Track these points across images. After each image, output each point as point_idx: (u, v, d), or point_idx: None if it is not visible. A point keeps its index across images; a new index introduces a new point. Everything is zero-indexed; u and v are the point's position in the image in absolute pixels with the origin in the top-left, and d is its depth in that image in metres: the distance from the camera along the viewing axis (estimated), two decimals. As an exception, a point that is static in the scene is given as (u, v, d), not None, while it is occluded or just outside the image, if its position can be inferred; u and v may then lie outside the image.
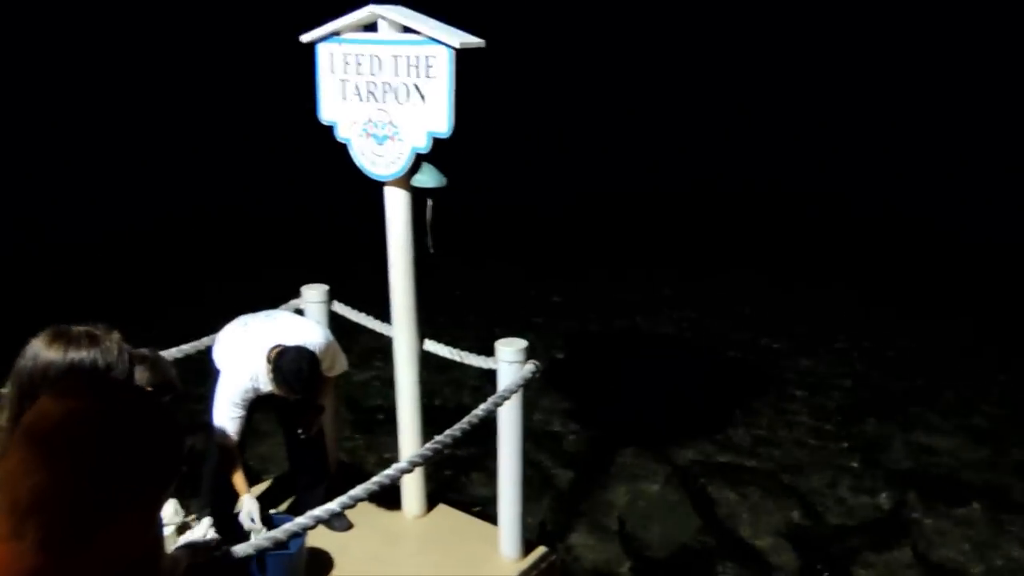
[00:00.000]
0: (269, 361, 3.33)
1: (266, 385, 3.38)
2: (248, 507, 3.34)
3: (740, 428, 5.93)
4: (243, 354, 3.41)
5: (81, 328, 1.82)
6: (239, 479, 3.40)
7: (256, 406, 3.47)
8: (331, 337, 3.66)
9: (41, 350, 1.77)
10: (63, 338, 1.78)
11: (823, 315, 8.15)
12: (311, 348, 3.39)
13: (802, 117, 15.94)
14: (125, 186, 12.23)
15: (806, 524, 4.87)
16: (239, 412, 3.38)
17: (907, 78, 16.46)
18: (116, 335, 1.83)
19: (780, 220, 11.54)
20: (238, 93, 15.63)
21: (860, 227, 11.03)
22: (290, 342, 3.38)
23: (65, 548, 0.91)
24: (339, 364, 3.73)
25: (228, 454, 3.41)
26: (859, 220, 11.36)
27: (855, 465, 5.49)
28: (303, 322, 3.67)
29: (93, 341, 1.79)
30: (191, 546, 1.98)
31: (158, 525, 1.06)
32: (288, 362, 3.27)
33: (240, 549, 2.39)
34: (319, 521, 2.60)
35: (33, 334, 1.82)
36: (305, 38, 3.39)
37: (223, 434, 3.38)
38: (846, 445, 5.74)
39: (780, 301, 8.56)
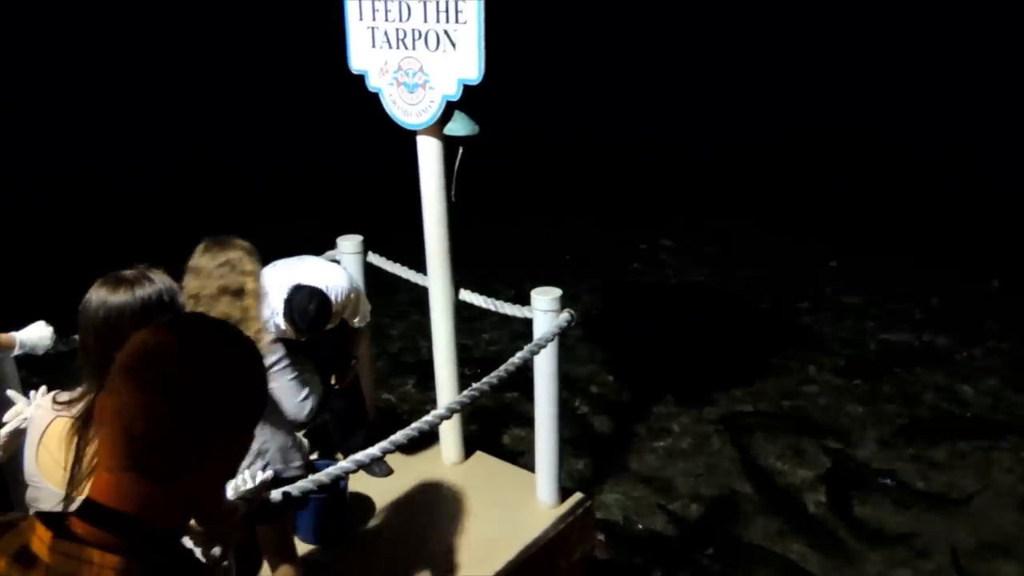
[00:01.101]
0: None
1: (283, 324, 3.41)
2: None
3: (774, 379, 5.90)
4: (268, 294, 3.45)
5: (131, 271, 1.88)
6: None
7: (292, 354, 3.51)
8: (357, 285, 3.66)
9: (108, 297, 1.82)
10: (124, 282, 1.84)
11: (858, 269, 8.00)
12: (332, 292, 3.40)
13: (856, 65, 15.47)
14: (163, 134, 12.37)
15: (839, 474, 4.85)
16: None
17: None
18: (160, 270, 1.92)
19: (822, 173, 11.25)
20: (272, 43, 15.61)
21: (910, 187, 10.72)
22: (311, 283, 3.39)
23: (171, 477, 1.01)
24: (362, 313, 3.74)
25: None
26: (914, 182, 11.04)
27: (889, 415, 5.44)
28: (329, 266, 3.67)
29: (150, 279, 1.87)
30: (246, 496, 2.04)
31: None
32: (298, 300, 3.28)
33: (286, 491, 2.46)
34: (360, 465, 2.65)
35: (75, 281, 1.87)
36: (333, -14, 3.35)
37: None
38: (879, 396, 5.69)
39: (817, 253, 8.41)
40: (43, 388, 2.01)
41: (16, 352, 2.94)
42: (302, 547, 3.25)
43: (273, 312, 3.38)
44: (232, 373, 1.07)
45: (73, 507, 1.09)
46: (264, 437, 2.75)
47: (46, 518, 1.00)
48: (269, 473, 2.21)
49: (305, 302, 3.27)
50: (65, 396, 1.89)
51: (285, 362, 2.75)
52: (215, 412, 1.04)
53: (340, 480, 2.98)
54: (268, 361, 2.68)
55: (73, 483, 1.73)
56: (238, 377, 1.08)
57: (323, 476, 2.51)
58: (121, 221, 8.90)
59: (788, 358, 6.21)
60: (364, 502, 3.62)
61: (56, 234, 8.55)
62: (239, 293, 2.61)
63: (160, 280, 1.89)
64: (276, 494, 2.44)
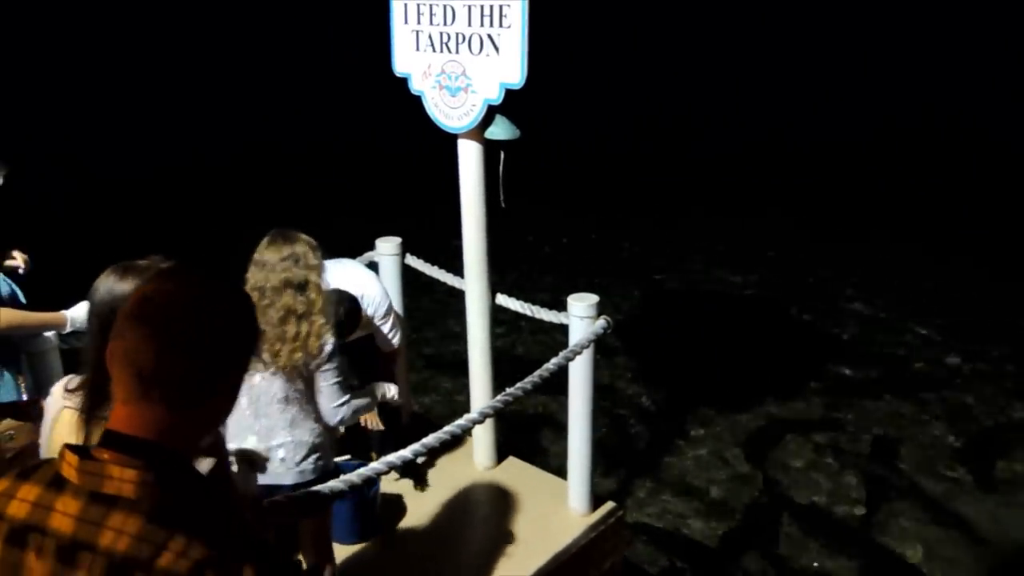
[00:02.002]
0: None
1: None
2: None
3: (810, 386, 5.81)
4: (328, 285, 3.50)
5: (143, 261, 1.91)
6: None
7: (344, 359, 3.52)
8: (390, 299, 3.68)
9: (115, 284, 1.85)
10: (133, 270, 1.87)
11: (906, 272, 7.84)
12: (365, 301, 3.44)
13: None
14: (205, 129, 12.58)
15: (874, 484, 4.76)
16: None
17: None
18: (173, 261, 1.94)
19: (869, 174, 11.07)
20: (309, 49, 15.80)
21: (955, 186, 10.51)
22: (345, 289, 3.42)
23: (185, 406, 1.16)
24: (396, 330, 3.71)
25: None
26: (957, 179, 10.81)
27: (929, 427, 5.32)
28: (365, 274, 3.69)
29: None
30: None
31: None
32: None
33: (318, 491, 2.47)
34: (392, 467, 2.65)
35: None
36: (379, -11, 3.37)
37: None
38: (917, 405, 5.57)
39: (867, 260, 8.26)
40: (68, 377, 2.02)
41: (68, 329, 3.02)
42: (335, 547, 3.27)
43: None
44: (223, 313, 1.20)
45: None
46: (318, 429, 2.80)
47: (74, 448, 1.15)
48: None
49: (334, 307, 3.31)
50: (75, 383, 1.91)
51: (334, 363, 2.77)
52: (210, 348, 1.17)
53: (373, 482, 3.00)
54: (321, 358, 2.72)
55: None
56: (228, 317, 1.21)
57: (355, 476, 2.51)
58: (153, 213, 9.05)
59: (824, 366, 6.12)
60: (395, 504, 3.62)
61: (102, 220, 8.72)
62: (303, 287, 2.67)
63: None
64: (324, 486, 2.47)
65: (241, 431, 2.74)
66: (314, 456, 2.79)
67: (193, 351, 1.15)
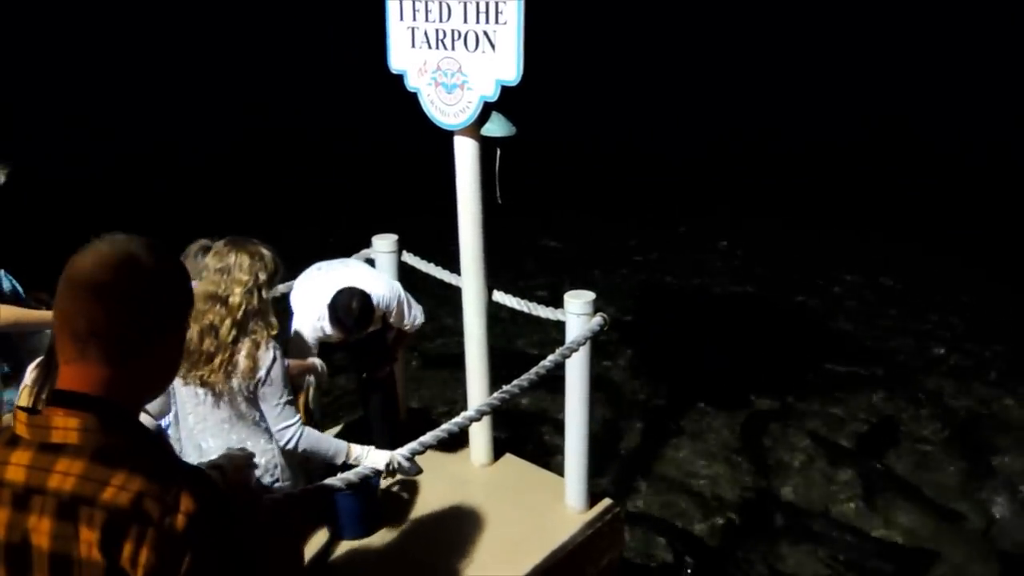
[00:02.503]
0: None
1: (328, 328, 3.44)
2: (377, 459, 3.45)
3: (808, 384, 5.82)
4: (313, 298, 3.48)
5: None
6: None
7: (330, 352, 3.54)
8: (401, 292, 3.69)
9: None
10: None
11: (899, 270, 7.85)
12: (375, 298, 3.42)
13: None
14: (202, 127, 12.54)
15: (873, 480, 4.77)
16: (312, 355, 3.47)
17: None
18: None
19: (863, 174, 11.07)
20: (299, 45, 15.77)
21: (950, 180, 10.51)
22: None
23: (122, 362, 1.23)
24: (412, 316, 3.77)
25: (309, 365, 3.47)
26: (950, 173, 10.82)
27: (926, 422, 5.33)
28: (373, 273, 3.70)
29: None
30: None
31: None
32: (342, 301, 3.32)
33: (317, 488, 2.48)
34: (389, 466, 2.66)
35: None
36: (375, -15, 3.36)
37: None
38: (915, 402, 5.58)
39: (860, 258, 8.27)
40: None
41: None
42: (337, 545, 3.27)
43: (319, 317, 3.42)
44: (149, 271, 1.26)
45: None
46: (271, 449, 2.76)
47: (24, 408, 1.25)
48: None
49: (347, 301, 3.30)
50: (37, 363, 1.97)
51: (274, 385, 2.71)
52: (138, 303, 1.24)
53: (371, 478, 3.00)
54: (261, 373, 2.67)
55: None
56: (155, 274, 1.27)
57: (352, 475, 2.51)
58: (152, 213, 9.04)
59: (823, 361, 6.13)
60: (392, 501, 3.62)
61: (108, 219, 8.70)
62: (224, 301, 2.62)
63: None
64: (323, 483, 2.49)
65: (192, 450, 2.74)
66: (267, 476, 2.75)
67: (121, 306, 1.22)
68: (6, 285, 3.05)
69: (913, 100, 13.72)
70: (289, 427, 2.75)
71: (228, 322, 2.61)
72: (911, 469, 4.87)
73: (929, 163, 11.06)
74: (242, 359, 2.63)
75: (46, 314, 3.03)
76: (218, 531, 1.18)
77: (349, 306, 3.30)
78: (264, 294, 2.69)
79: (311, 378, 3.38)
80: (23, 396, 2.05)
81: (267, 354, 2.67)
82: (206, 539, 1.16)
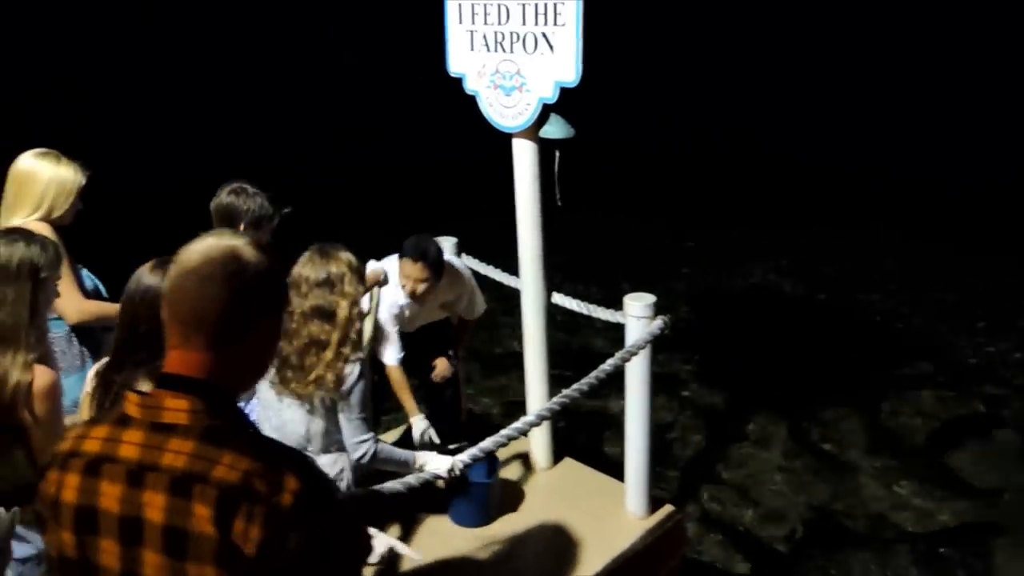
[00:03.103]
0: None
1: (402, 296, 3.54)
2: (421, 426, 3.49)
3: (874, 390, 5.64)
4: (389, 273, 3.58)
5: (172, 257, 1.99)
6: (408, 399, 3.56)
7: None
8: (471, 276, 3.80)
9: (144, 276, 2.03)
10: (165, 264, 2.01)
11: (964, 279, 7.57)
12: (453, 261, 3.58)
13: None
14: (264, 132, 12.77)
15: (946, 488, 4.60)
16: (393, 330, 3.58)
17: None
18: None
19: (924, 178, 10.71)
20: (370, 45, 15.93)
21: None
22: None
23: (222, 346, 1.31)
24: (477, 303, 3.88)
25: (396, 375, 3.59)
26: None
27: (993, 424, 5.14)
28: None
29: None
30: None
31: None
32: (417, 242, 3.45)
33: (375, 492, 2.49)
34: (452, 472, 2.67)
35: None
36: (434, -11, 3.37)
37: (387, 356, 3.60)
38: (985, 404, 5.39)
39: (924, 262, 8.01)
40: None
41: None
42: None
43: (395, 285, 3.53)
44: (250, 261, 1.33)
45: None
46: (340, 463, 2.78)
47: (135, 390, 1.34)
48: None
49: (424, 244, 3.44)
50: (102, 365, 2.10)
51: (355, 399, 2.69)
52: (240, 292, 1.31)
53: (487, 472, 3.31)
54: (345, 388, 2.66)
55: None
56: (256, 265, 1.33)
57: (413, 479, 2.52)
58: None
59: (889, 366, 5.94)
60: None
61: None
62: (330, 317, 2.60)
63: None
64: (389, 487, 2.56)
65: None
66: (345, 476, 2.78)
67: (224, 296, 1.30)
68: (88, 284, 3.15)
69: (976, 98, 13.22)
70: (364, 442, 2.74)
71: (336, 337, 2.58)
72: (982, 473, 4.68)
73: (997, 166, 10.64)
74: (328, 374, 2.61)
75: None
76: (322, 510, 1.25)
77: (426, 248, 3.42)
78: (361, 303, 2.71)
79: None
80: (84, 406, 2.11)
81: (354, 369, 2.66)
82: (311, 517, 1.22)
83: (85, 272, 3.20)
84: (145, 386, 1.98)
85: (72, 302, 3.05)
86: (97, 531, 1.28)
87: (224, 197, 3.17)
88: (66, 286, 3.01)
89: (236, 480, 1.20)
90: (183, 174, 10.48)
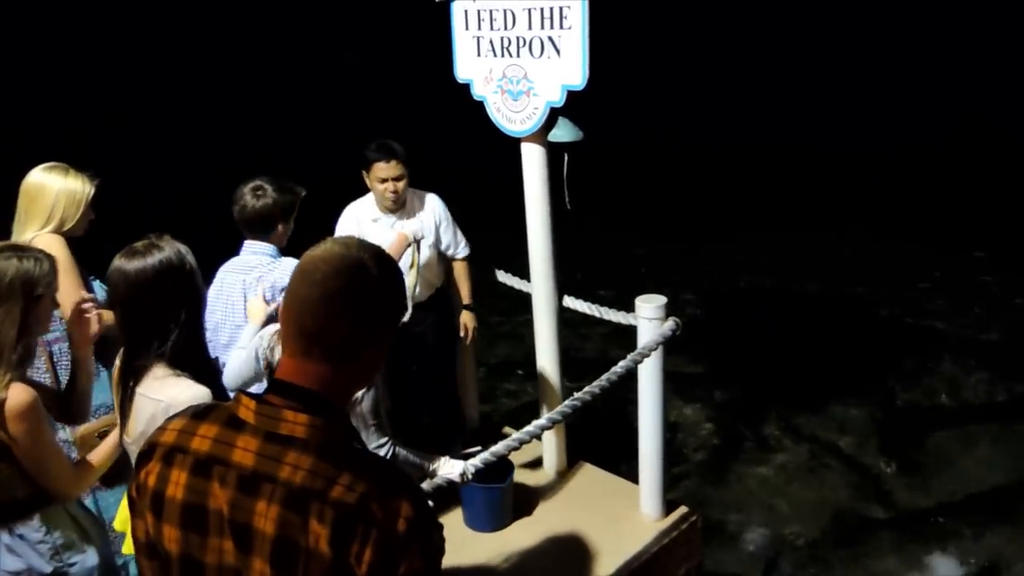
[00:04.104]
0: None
1: (371, 210, 3.67)
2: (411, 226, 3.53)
3: (884, 395, 5.59)
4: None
5: (142, 241, 2.13)
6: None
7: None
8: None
9: (125, 266, 2.07)
10: (138, 252, 2.09)
11: (972, 278, 7.51)
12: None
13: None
14: (265, 136, 12.83)
15: (954, 495, 4.55)
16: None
17: None
18: (168, 236, 2.16)
19: (937, 183, 10.64)
20: (373, 52, 16.00)
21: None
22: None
23: (341, 361, 1.31)
24: (460, 237, 3.91)
25: (400, 240, 3.52)
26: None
27: (1005, 435, 5.06)
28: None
29: (158, 246, 2.10)
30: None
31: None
32: (373, 146, 3.58)
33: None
34: (464, 476, 2.67)
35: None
36: (439, -4, 3.39)
37: None
38: (995, 413, 5.31)
39: (931, 265, 7.95)
40: None
41: None
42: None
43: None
44: (377, 277, 1.32)
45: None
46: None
47: (249, 394, 1.32)
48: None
49: (387, 142, 3.59)
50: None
51: (367, 405, 2.68)
52: (365, 310, 1.31)
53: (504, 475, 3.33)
54: (357, 393, 2.60)
55: (123, 421, 2.13)
56: (382, 280, 1.33)
57: (426, 486, 2.52)
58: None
59: (904, 371, 5.88)
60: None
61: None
62: None
63: (168, 246, 2.11)
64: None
65: None
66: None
67: (350, 313, 1.29)
68: (99, 294, 3.16)
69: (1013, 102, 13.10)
70: (381, 447, 2.73)
71: None
72: (1004, 471, 4.64)
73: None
74: None
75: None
76: (430, 537, 1.26)
77: (387, 141, 3.55)
78: None
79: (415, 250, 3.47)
80: (114, 379, 2.22)
81: None
82: (421, 544, 1.23)
83: (97, 283, 3.22)
84: (160, 369, 2.07)
85: None
86: (206, 530, 1.29)
87: (253, 202, 3.08)
88: (77, 297, 3.07)
89: (353, 502, 1.20)
90: (185, 180, 10.55)
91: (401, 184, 3.61)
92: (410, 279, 3.39)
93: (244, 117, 13.53)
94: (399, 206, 3.69)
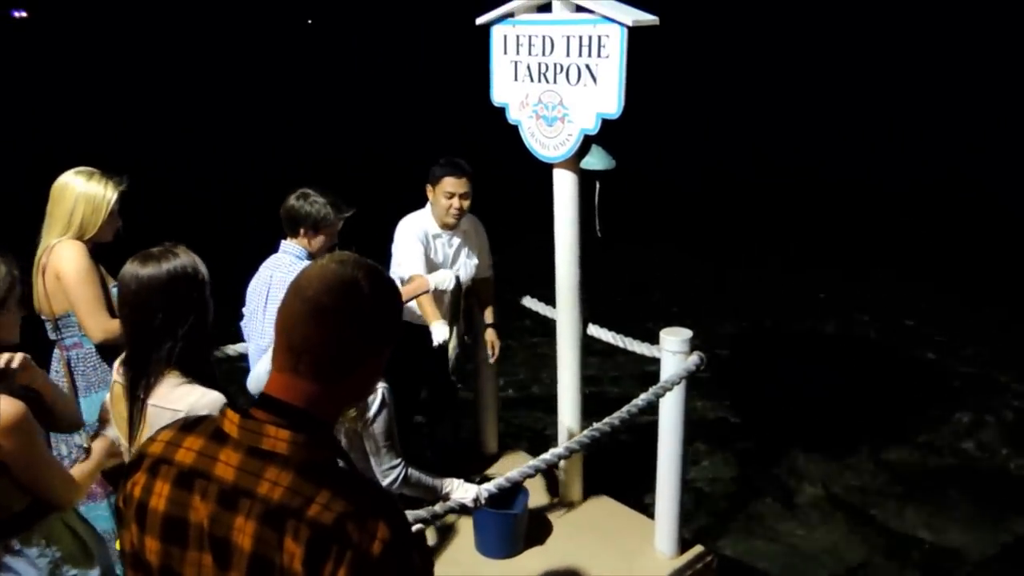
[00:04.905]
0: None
1: (432, 224, 3.70)
2: (440, 332, 3.42)
3: (910, 443, 5.46)
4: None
5: (158, 248, 2.12)
6: (428, 306, 3.49)
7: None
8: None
9: (139, 270, 2.06)
10: (153, 257, 2.09)
11: (1002, 324, 7.35)
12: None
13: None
14: (290, 147, 13.00)
15: (974, 543, 4.42)
16: (418, 248, 3.63)
17: None
18: (183, 246, 2.16)
19: (959, 223, 10.49)
20: (411, 73, 16.19)
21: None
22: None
23: (329, 379, 1.29)
24: (488, 256, 4.00)
25: (418, 284, 3.46)
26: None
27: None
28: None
29: (175, 254, 2.10)
30: None
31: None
32: (445, 161, 3.65)
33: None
34: (477, 501, 2.63)
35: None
36: (480, 20, 3.41)
37: (410, 273, 3.56)
38: (1014, 455, 5.19)
39: (954, 307, 7.81)
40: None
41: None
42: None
43: (421, 216, 3.70)
44: (371, 296, 1.30)
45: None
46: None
47: (234, 407, 1.31)
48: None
49: (458, 160, 3.70)
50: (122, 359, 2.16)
51: (379, 426, 2.66)
52: (357, 329, 1.29)
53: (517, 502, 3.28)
54: (370, 414, 2.62)
55: (132, 435, 2.09)
56: (376, 300, 1.31)
57: (439, 508, 2.49)
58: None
59: (926, 415, 5.76)
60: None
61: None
62: None
63: (184, 255, 2.11)
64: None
65: None
66: None
67: (340, 330, 1.27)
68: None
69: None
70: (394, 468, 2.72)
71: None
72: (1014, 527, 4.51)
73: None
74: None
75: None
76: (407, 561, 1.23)
77: (458, 159, 3.63)
78: None
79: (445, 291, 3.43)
80: (116, 394, 2.18)
81: (375, 397, 2.64)
82: (398, 567, 1.21)
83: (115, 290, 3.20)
84: (173, 377, 2.06)
85: (98, 321, 3.04)
86: (186, 543, 1.28)
87: (289, 201, 3.23)
88: (93, 305, 3.04)
89: (329, 522, 1.18)
90: (213, 186, 10.69)
91: (467, 202, 3.68)
92: (451, 340, 3.38)
93: (419, 102, 13.54)
94: (457, 223, 3.72)
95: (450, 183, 3.63)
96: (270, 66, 15.55)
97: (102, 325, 3.05)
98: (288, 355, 1.29)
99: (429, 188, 3.72)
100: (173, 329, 2.05)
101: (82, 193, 3.05)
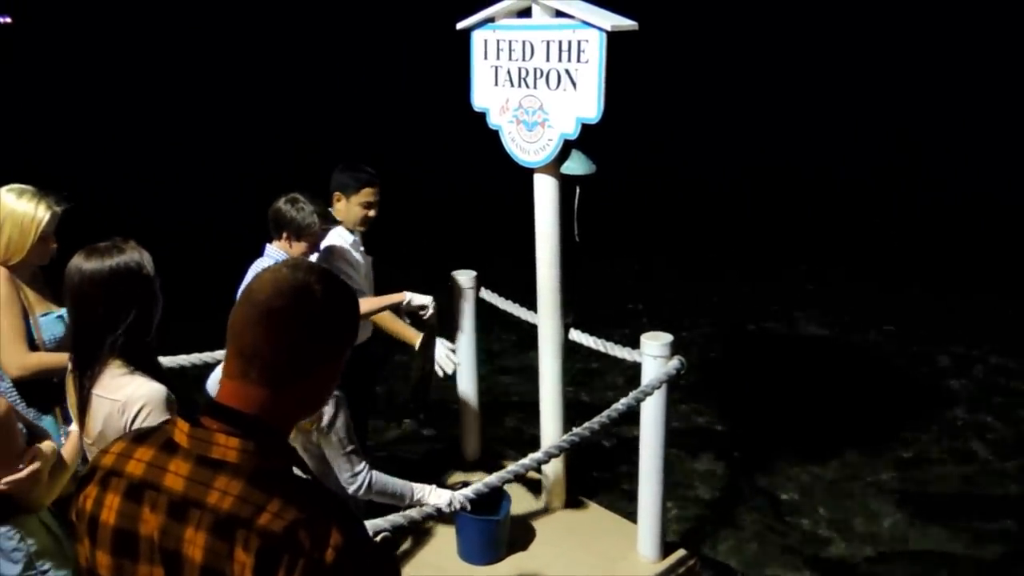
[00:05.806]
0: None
1: (353, 241, 3.58)
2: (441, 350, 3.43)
3: (889, 442, 5.49)
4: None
5: (105, 243, 2.15)
6: (400, 326, 3.48)
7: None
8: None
9: (82, 264, 2.10)
10: (97, 252, 2.12)
11: (980, 326, 7.40)
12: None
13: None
14: (283, 159, 12.96)
15: (959, 552, 4.44)
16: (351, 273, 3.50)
17: None
18: (132, 242, 2.18)
19: (949, 225, 10.58)
20: (392, 80, 16.21)
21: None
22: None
23: (280, 385, 1.26)
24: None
25: (394, 296, 3.46)
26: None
27: (1012, 488, 4.96)
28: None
29: (120, 249, 2.13)
30: None
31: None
32: (354, 168, 3.54)
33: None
34: (456, 506, 2.62)
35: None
36: (461, 25, 3.41)
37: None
38: (1003, 463, 5.21)
39: (942, 308, 7.86)
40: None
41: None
42: None
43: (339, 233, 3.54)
44: (322, 302, 1.28)
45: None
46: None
47: (185, 416, 1.28)
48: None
49: (365, 167, 3.56)
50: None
51: (336, 433, 2.63)
52: (306, 335, 1.26)
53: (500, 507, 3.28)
54: (324, 422, 2.61)
55: (82, 422, 2.14)
56: (326, 306, 1.29)
57: (415, 513, 2.48)
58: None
59: (910, 421, 5.79)
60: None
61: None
62: None
63: (131, 251, 2.14)
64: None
65: None
66: None
67: (288, 335, 1.25)
68: (54, 331, 2.84)
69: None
70: (358, 474, 2.70)
71: None
72: (1003, 537, 4.53)
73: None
74: None
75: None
76: (363, 567, 1.21)
77: (365, 166, 3.53)
78: None
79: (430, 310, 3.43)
80: (68, 382, 2.23)
81: (331, 401, 2.62)
82: (352, 574, 1.18)
83: (56, 315, 2.83)
84: (115, 368, 2.09)
85: (11, 355, 2.70)
86: (137, 557, 1.25)
87: (278, 204, 3.27)
88: (7, 337, 2.70)
89: (280, 530, 1.16)
90: (201, 190, 10.62)
91: (375, 211, 3.59)
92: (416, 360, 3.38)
93: (396, 110, 13.48)
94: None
95: (369, 192, 3.51)
96: (255, 68, 15.54)
97: (17, 360, 2.71)
98: (238, 361, 1.26)
99: (340, 197, 3.52)
100: (114, 322, 2.10)
101: (8, 214, 2.70)
